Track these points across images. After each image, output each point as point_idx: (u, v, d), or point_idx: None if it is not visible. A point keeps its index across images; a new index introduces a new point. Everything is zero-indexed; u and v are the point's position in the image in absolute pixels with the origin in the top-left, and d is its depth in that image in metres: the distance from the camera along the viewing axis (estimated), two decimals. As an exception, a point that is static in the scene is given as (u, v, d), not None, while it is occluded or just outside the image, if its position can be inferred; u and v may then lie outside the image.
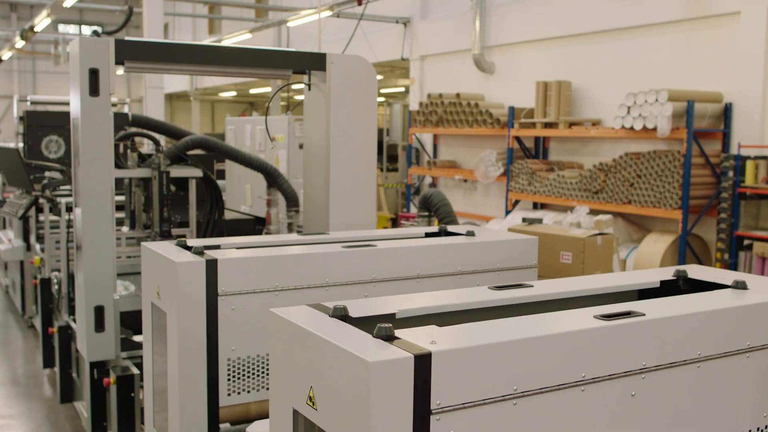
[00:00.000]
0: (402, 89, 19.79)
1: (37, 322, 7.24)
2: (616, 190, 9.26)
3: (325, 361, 1.86)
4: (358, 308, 2.15)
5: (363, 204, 4.83)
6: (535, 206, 11.10)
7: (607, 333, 2.01)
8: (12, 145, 8.92)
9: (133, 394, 4.14)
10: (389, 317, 2.17)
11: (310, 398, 1.92)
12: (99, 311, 4.21)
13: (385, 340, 1.82)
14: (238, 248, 3.27)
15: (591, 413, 2.01)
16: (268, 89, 18.87)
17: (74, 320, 5.60)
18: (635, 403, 2.09)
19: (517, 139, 11.21)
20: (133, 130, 6.29)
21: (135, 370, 4.15)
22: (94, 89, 4.10)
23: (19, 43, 15.96)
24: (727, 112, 8.93)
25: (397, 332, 1.88)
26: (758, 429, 2.37)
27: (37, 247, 7.61)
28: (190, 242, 3.23)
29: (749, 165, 8.37)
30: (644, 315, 2.12)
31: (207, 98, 24.89)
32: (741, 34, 8.66)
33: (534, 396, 1.90)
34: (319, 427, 1.90)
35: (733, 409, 2.31)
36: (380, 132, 16.74)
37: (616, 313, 2.12)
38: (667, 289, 2.71)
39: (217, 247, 3.26)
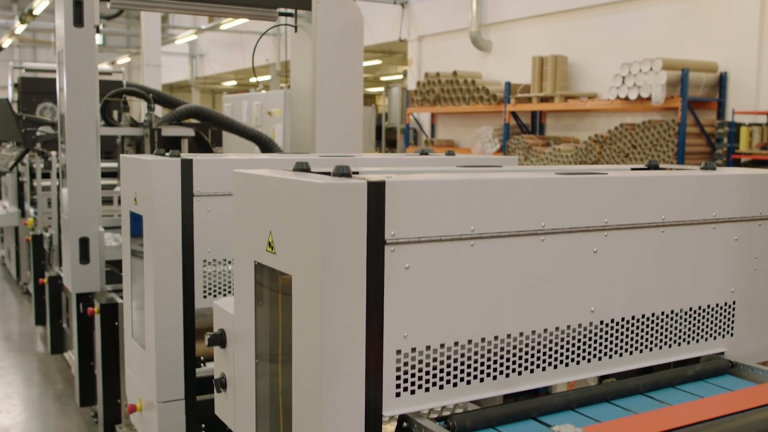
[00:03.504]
0: (400, 76, 19.80)
1: (31, 285, 7.27)
2: (611, 161, 9.25)
3: (282, 199, 1.86)
4: (319, 166, 2.16)
5: (349, 145, 4.83)
6: (532, 181, 11.08)
7: (567, 185, 2.02)
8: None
9: (117, 323, 4.15)
10: (352, 176, 2.17)
11: (269, 244, 1.93)
12: (84, 243, 4.22)
13: (342, 177, 1.83)
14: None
15: (551, 265, 2.01)
16: (268, 78, 18.89)
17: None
18: (597, 260, 2.09)
19: (514, 115, 11.22)
20: (126, 88, 6.30)
21: (119, 300, 4.16)
22: (78, 20, 4.12)
23: (19, 29, 15.98)
24: (722, 81, 8.92)
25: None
26: (725, 303, 2.37)
27: (32, 211, 7.65)
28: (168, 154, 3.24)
29: (743, 131, 8.37)
30: (606, 174, 2.12)
31: (207, 87, 24.96)
32: (736, 3, 8.66)
33: (492, 239, 1.91)
34: (279, 270, 1.90)
35: (700, 281, 2.31)
36: (379, 117, 16.74)
37: (578, 171, 2.12)
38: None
39: (196, 157, 3.26)
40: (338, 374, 1.73)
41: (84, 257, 4.22)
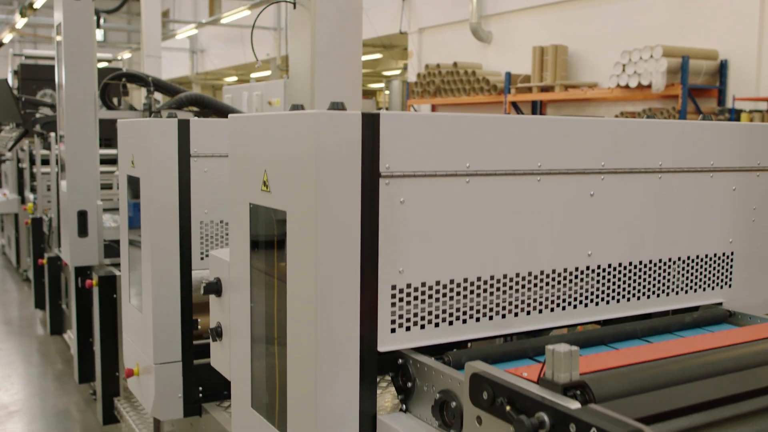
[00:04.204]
0: (399, 71, 19.80)
1: (31, 271, 7.26)
2: (611, 148, 9.24)
3: (277, 135, 1.85)
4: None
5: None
6: (532, 171, 11.07)
7: (563, 125, 2.01)
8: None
9: (115, 296, 4.15)
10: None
11: (264, 183, 1.92)
12: (82, 216, 4.22)
13: (337, 110, 1.82)
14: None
15: (548, 206, 2.00)
16: (268, 72, 18.90)
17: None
18: (594, 203, 2.08)
19: (515, 105, 11.20)
20: (126, 71, 6.30)
21: (117, 273, 4.15)
22: (76, -8, 4.13)
23: (19, 23, 16.00)
24: (722, 69, 8.91)
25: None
26: (723, 254, 2.36)
27: (32, 197, 7.65)
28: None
29: (744, 118, 8.35)
30: (602, 117, 2.11)
31: (208, 82, 24.97)
32: (735, -12, 8.65)
33: (488, 177, 1.90)
34: (274, 208, 1.90)
35: (698, 230, 2.30)
36: (379, 110, 16.72)
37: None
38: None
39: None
40: (333, 309, 1.72)
41: (82, 230, 4.22)
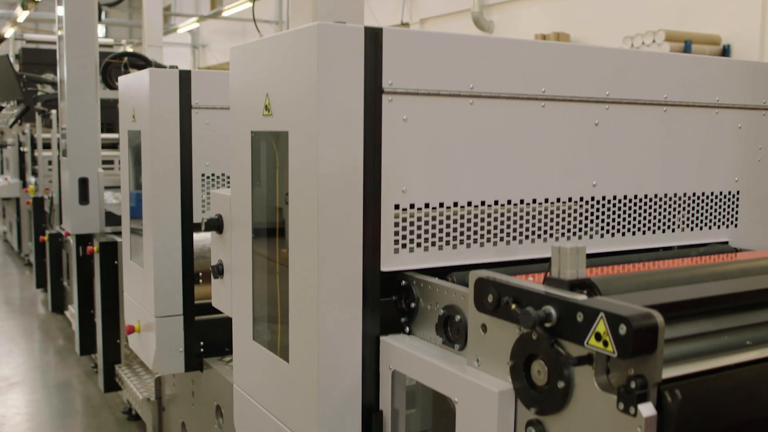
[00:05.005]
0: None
1: (33, 256, 7.24)
2: (613, 134, 9.22)
3: (278, 54, 1.84)
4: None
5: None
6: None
7: (568, 52, 1.99)
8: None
9: (116, 262, 4.13)
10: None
11: (266, 107, 1.90)
12: (83, 183, 4.20)
13: (339, 30, 1.80)
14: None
15: (552, 133, 1.98)
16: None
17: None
18: (599, 133, 2.06)
19: (516, 93, 11.18)
20: (127, 51, 6.32)
21: (118, 239, 4.13)
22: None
23: (21, 16, 15.95)
24: (725, 54, 8.88)
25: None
26: (729, 192, 2.34)
27: (33, 180, 7.64)
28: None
29: (747, 101, 8.30)
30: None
31: (210, 78, 24.98)
32: (738, -29, 8.62)
33: (492, 99, 1.88)
34: (274, 131, 1.88)
35: (703, 167, 2.27)
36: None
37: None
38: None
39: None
40: (335, 229, 1.70)
41: (83, 198, 4.20)
